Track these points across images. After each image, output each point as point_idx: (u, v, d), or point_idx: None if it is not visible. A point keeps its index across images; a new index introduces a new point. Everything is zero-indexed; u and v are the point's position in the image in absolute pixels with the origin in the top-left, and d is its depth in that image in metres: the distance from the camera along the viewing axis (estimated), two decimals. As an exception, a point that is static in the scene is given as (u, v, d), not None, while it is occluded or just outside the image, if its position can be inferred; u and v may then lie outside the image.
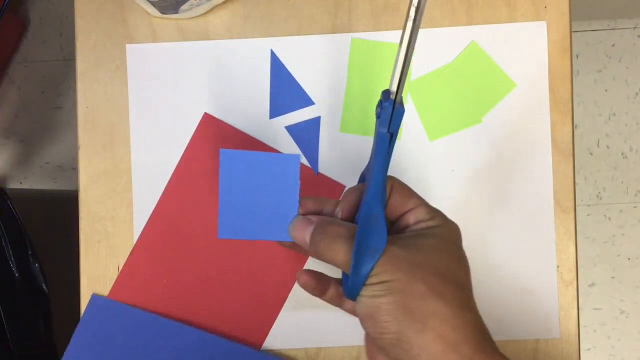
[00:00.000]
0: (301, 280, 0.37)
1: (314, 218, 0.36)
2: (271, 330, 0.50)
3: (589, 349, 1.25)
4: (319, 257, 0.35)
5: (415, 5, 0.31)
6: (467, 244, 0.50)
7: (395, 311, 0.31)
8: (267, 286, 0.50)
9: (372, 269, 0.32)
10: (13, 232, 0.78)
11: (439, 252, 0.34)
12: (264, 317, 0.50)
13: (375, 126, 0.34)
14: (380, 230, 0.33)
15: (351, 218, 0.36)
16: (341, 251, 0.33)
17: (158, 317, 0.50)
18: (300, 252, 0.38)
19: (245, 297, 0.50)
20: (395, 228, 0.36)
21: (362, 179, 0.38)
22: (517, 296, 0.50)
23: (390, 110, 0.33)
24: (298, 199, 0.37)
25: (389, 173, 0.36)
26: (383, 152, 0.34)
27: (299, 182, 0.37)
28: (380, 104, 0.34)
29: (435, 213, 0.36)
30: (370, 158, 0.35)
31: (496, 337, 0.51)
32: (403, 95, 0.50)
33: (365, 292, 0.33)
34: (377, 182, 0.34)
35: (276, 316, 0.50)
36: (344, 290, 0.35)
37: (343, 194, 0.37)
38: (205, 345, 0.50)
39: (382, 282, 0.32)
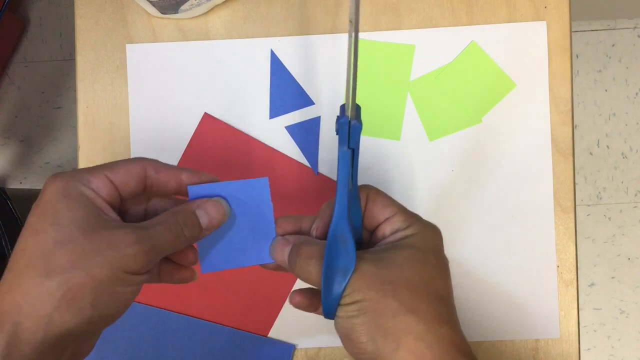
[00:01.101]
0: (293, 301, 0.37)
1: (291, 238, 0.36)
2: (271, 331, 0.50)
3: (589, 349, 1.25)
4: (298, 277, 0.35)
5: (352, 20, 0.31)
6: (466, 244, 0.50)
7: (369, 331, 0.31)
8: (267, 287, 0.50)
9: (344, 289, 0.32)
10: (13, 232, 0.78)
11: (413, 264, 0.33)
12: (264, 318, 0.50)
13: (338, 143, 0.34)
14: (349, 249, 0.32)
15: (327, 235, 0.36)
16: (314, 272, 0.33)
17: (161, 310, 0.50)
18: (285, 272, 0.38)
19: (245, 298, 0.50)
20: (374, 238, 0.36)
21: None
22: (517, 296, 0.50)
23: (346, 127, 0.33)
24: (273, 220, 0.37)
25: (366, 182, 0.36)
26: (345, 169, 0.33)
27: (271, 203, 0.37)
28: (337, 119, 0.33)
29: (412, 220, 0.35)
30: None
31: (496, 337, 0.51)
32: (403, 94, 0.50)
33: (340, 312, 0.32)
34: (341, 201, 0.33)
35: (276, 316, 0.50)
36: (323, 311, 0.34)
37: (320, 210, 0.37)
38: (213, 334, 0.50)
39: (354, 302, 0.32)
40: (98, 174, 0.32)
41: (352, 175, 0.34)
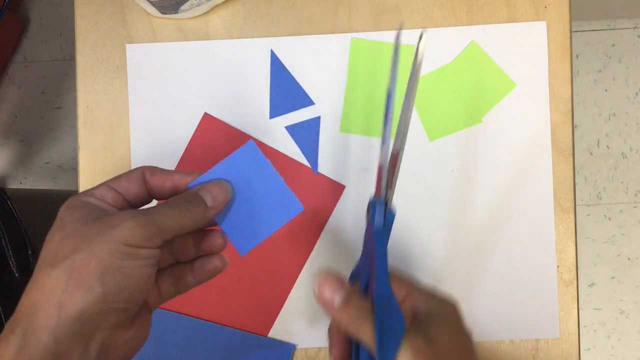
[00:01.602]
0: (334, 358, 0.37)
1: (342, 282, 0.34)
2: (271, 331, 0.50)
3: (589, 349, 1.25)
4: (346, 328, 0.34)
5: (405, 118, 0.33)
6: (467, 245, 0.50)
7: None
8: (267, 287, 0.50)
9: (397, 352, 0.32)
10: (13, 232, 0.78)
11: (451, 340, 0.33)
12: (264, 318, 0.50)
13: (367, 226, 0.35)
14: (397, 313, 0.33)
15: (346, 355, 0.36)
16: (369, 330, 0.32)
17: (161, 310, 0.50)
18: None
19: (245, 298, 0.50)
20: None
21: (354, 276, 0.38)
22: (517, 296, 0.50)
23: (382, 212, 0.34)
24: (279, 174, 0.37)
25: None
26: (383, 252, 0.34)
27: (268, 161, 0.37)
28: (371, 205, 0.34)
29: (431, 299, 0.35)
30: (362, 256, 0.36)
31: (496, 337, 0.51)
32: (403, 94, 0.50)
33: None
34: (382, 281, 0.33)
35: (276, 316, 0.50)
36: None
37: (329, 335, 0.37)
38: (213, 334, 0.50)
39: None
40: (100, 186, 0.34)
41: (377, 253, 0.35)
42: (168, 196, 0.36)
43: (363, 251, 0.36)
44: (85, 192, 0.34)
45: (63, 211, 0.32)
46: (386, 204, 0.34)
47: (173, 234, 0.33)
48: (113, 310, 0.30)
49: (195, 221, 0.34)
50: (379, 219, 0.34)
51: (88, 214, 0.32)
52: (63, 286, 0.29)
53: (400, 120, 0.34)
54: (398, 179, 0.50)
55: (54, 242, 0.31)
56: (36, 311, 0.29)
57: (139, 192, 0.35)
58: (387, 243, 0.34)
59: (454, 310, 0.35)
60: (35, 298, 0.30)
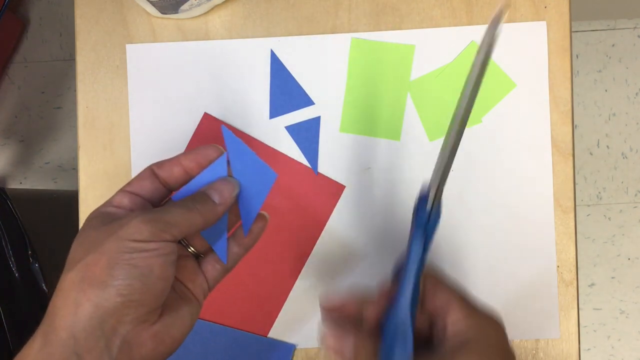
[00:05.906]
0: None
1: (348, 328, 0.33)
2: (271, 331, 0.50)
3: (589, 349, 1.25)
4: None
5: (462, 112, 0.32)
6: (466, 245, 0.50)
7: None
8: (267, 287, 0.50)
9: None
10: (13, 232, 0.78)
11: None
12: (264, 318, 0.50)
13: (411, 226, 0.33)
14: (407, 346, 0.31)
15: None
16: None
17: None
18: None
19: (245, 298, 0.50)
20: (434, 330, 0.34)
21: (396, 270, 0.35)
22: (517, 296, 0.50)
23: (426, 216, 0.32)
24: (251, 150, 0.36)
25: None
26: (417, 256, 0.32)
27: (242, 142, 0.36)
28: (417, 205, 0.32)
29: (473, 317, 0.33)
30: (405, 255, 0.34)
31: (496, 337, 0.51)
32: (403, 94, 0.50)
33: None
34: (408, 289, 0.32)
35: (276, 316, 0.50)
36: None
37: (377, 293, 0.34)
38: (213, 334, 0.50)
39: None
40: (117, 193, 0.35)
41: (422, 261, 0.33)
42: (182, 182, 0.36)
43: (407, 250, 0.34)
44: (104, 203, 0.35)
45: (83, 225, 0.34)
46: (431, 209, 0.32)
47: (183, 230, 0.33)
48: (130, 303, 0.31)
49: (206, 218, 0.34)
50: (420, 224, 0.32)
51: (101, 221, 0.33)
52: (77, 286, 0.30)
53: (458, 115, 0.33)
54: (399, 179, 0.50)
55: (72, 252, 0.33)
56: (55, 312, 0.31)
57: (153, 187, 0.36)
58: (423, 249, 0.32)
59: (492, 335, 0.32)
60: (55, 301, 0.31)
